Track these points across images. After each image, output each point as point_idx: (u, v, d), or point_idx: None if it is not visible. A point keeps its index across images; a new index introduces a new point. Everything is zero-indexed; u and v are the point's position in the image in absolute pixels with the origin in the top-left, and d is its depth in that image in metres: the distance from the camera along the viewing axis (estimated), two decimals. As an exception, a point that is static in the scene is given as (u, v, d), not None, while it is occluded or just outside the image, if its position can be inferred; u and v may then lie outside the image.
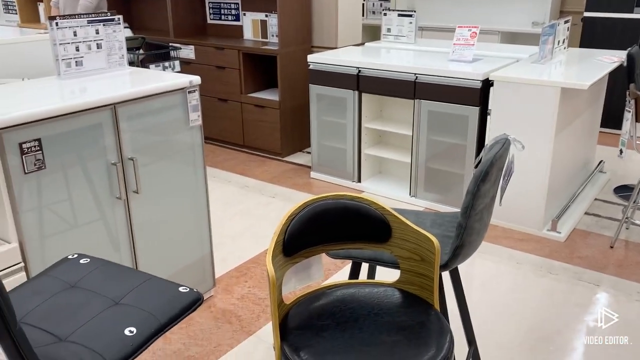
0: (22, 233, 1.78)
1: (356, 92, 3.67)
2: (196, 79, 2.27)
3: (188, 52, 4.72)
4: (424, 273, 1.47)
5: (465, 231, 1.53)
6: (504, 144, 1.57)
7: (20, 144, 1.72)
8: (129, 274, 1.41)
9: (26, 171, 1.76)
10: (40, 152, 1.78)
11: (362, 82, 3.62)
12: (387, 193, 3.71)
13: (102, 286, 1.35)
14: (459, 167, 3.36)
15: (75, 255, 1.49)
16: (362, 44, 4.34)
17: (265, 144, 4.51)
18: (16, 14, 5.51)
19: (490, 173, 1.49)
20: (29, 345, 0.95)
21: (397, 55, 3.86)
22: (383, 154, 3.81)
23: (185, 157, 2.32)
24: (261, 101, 4.43)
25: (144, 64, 3.65)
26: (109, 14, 2.32)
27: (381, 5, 6.40)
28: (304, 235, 1.44)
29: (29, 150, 1.75)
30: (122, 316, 1.24)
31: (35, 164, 1.77)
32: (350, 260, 1.76)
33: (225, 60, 4.52)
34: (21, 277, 1.79)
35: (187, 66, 4.70)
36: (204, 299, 2.59)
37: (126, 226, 2.13)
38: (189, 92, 2.26)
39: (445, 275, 1.81)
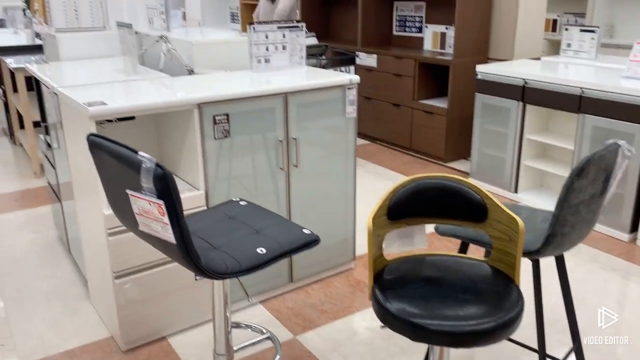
0: (208, 183, 2.36)
1: (520, 103, 3.75)
2: (355, 79, 2.68)
3: (371, 60, 5.19)
4: (512, 252, 1.65)
5: (558, 222, 1.66)
6: (610, 146, 1.67)
7: (214, 116, 2.30)
8: (271, 216, 1.85)
9: (215, 137, 2.33)
10: (228, 124, 2.34)
11: (527, 93, 3.69)
12: (543, 206, 3.70)
13: (250, 220, 1.81)
14: (621, 187, 3.25)
15: (238, 199, 1.98)
16: (538, 58, 4.34)
17: (430, 148, 4.77)
18: (239, 23, 6.58)
19: (586, 170, 1.61)
20: (189, 236, 1.42)
21: (568, 69, 3.82)
22: (543, 166, 3.81)
23: (340, 143, 2.74)
24: (431, 108, 4.70)
25: (326, 68, 4.19)
26: (295, 22, 2.85)
27: (576, 21, 6.18)
28: (407, 205, 1.73)
29: (220, 121, 2.31)
30: (259, 240, 1.68)
31: (222, 133, 2.34)
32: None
33: (402, 69, 4.89)
34: (203, 217, 2.36)
35: (368, 72, 5.18)
36: (344, 270, 2.98)
37: (285, 192, 2.62)
38: (348, 88, 2.67)
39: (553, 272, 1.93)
